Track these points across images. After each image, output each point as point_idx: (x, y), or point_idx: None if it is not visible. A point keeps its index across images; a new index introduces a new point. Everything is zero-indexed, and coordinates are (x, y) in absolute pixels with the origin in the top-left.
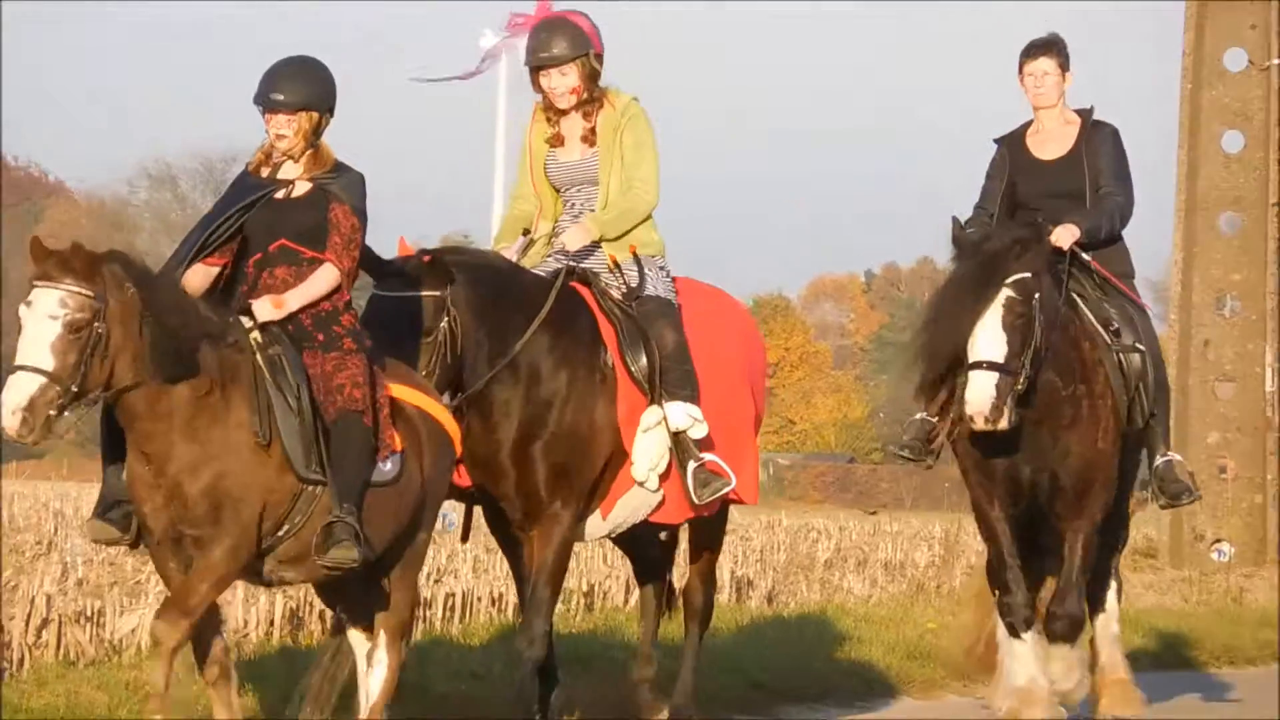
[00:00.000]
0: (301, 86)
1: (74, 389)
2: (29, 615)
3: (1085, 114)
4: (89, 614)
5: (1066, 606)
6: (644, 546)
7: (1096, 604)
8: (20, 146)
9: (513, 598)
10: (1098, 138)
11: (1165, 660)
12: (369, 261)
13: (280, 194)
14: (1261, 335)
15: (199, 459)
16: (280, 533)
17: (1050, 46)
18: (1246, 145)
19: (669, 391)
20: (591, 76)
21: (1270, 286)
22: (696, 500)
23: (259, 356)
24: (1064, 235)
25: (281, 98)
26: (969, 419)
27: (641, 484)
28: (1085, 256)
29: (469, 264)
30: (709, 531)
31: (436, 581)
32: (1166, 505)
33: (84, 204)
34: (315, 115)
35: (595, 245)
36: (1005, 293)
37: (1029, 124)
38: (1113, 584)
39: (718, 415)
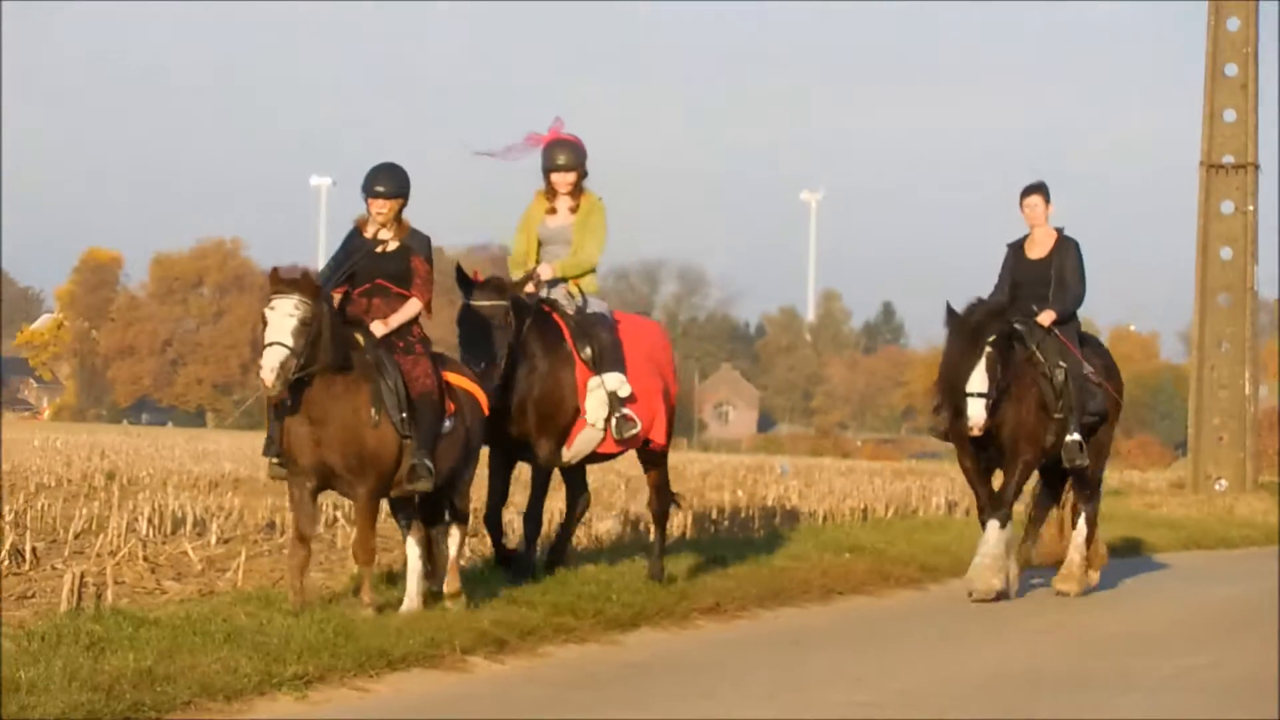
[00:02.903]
0: (392, 182)
1: (299, 361)
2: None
3: (1059, 231)
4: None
5: (1002, 504)
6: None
7: (1079, 521)
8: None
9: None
10: (1064, 247)
11: (1177, 544)
12: (462, 283)
13: (379, 249)
14: (1242, 364)
15: (349, 426)
16: None
17: (1039, 188)
18: (1233, 256)
19: (606, 367)
20: (582, 176)
21: (1247, 335)
22: (618, 437)
23: (370, 358)
24: (1046, 317)
25: (381, 189)
26: (969, 429)
27: (592, 425)
28: (1055, 330)
29: (510, 288)
30: (655, 464)
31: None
32: (1067, 465)
33: None
34: (401, 200)
35: (556, 280)
36: (987, 349)
37: (1027, 235)
38: (1083, 524)
39: (638, 386)
